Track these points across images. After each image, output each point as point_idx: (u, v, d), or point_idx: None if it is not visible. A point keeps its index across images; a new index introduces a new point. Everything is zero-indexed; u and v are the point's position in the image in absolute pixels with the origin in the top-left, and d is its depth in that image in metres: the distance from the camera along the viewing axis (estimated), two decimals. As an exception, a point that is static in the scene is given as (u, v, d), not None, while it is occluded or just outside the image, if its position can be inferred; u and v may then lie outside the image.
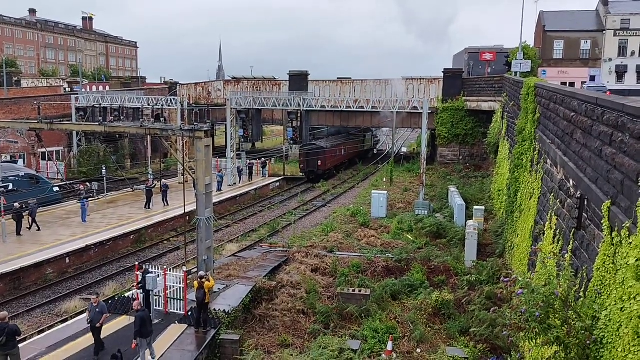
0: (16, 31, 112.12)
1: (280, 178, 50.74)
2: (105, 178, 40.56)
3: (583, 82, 59.16)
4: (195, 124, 37.48)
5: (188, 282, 18.90)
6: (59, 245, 27.11)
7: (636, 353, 7.47)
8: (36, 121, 31.97)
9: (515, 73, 41.88)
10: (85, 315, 16.61)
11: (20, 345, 14.65)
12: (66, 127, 36.53)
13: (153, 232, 32.16)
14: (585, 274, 10.79)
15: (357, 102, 54.45)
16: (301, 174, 53.43)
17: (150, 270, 18.30)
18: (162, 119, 60.21)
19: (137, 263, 20.53)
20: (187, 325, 17.54)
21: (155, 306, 18.51)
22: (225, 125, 51.93)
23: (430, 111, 43.89)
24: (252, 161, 51.51)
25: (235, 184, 46.47)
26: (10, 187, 33.63)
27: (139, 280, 18.20)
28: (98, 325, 15.35)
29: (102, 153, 52.30)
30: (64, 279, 25.21)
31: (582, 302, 9.78)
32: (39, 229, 29.51)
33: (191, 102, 63.61)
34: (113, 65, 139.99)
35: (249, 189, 45.26)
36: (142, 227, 31.48)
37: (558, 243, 13.77)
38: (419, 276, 21.49)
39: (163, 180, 38.61)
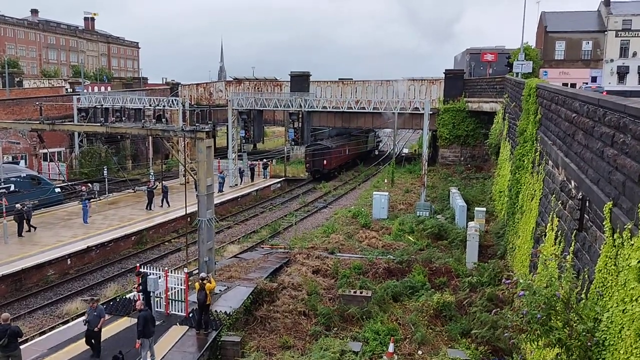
0: (18, 31, 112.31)
1: (281, 179, 50.72)
2: (106, 179, 40.57)
3: (585, 83, 59.09)
4: (196, 124, 37.46)
5: (189, 283, 18.90)
6: (60, 247, 27.12)
7: (638, 355, 7.46)
8: (38, 122, 32.05)
9: (517, 74, 41.88)
10: (83, 317, 16.52)
11: (21, 347, 14.64)
12: (68, 127, 36.57)
13: (154, 233, 32.16)
14: (586, 276, 10.77)
15: (358, 103, 54.46)
16: (306, 173, 53.93)
17: (148, 273, 18.29)
18: (163, 120, 60.38)
19: (138, 264, 20.49)
20: (188, 327, 17.52)
21: (157, 308, 18.51)
22: (227, 126, 51.91)
23: (431, 112, 43.88)
24: (254, 162, 51.53)
25: (236, 185, 46.45)
26: (12, 188, 33.70)
27: (139, 282, 18.20)
28: (96, 329, 15.22)
29: (103, 154, 52.37)
30: (65, 281, 25.20)
31: (584, 303, 9.76)
32: (29, 230, 29.30)
33: (193, 103, 63.67)
34: (115, 66, 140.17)
35: (250, 190, 45.24)
36: (143, 228, 31.47)
37: (559, 244, 13.75)
38: (420, 278, 21.47)
39: (158, 182, 38.62)
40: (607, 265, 9.49)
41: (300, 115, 57.70)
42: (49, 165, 47.62)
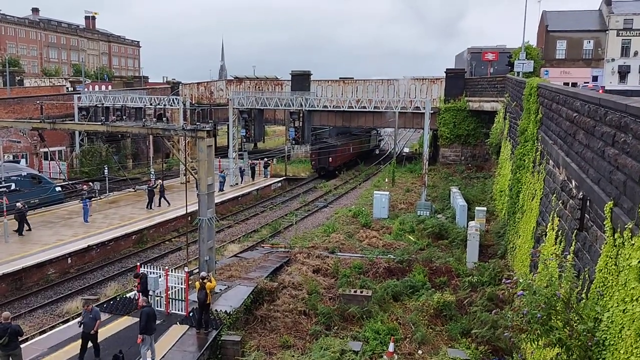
0: (19, 30, 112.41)
1: (282, 178, 50.73)
2: (107, 178, 40.58)
3: (586, 82, 59.06)
4: (197, 123, 37.46)
5: (189, 282, 18.90)
6: (61, 246, 27.13)
7: (638, 355, 7.44)
8: (39, 120, 31.97)
9: (518, 73, 41.86)
10: (78, 319, 16.37)
11: (21, 346, 14.66)
12: (69, 126, 36.53)
13: (155, 232, 32.17)
14: (587, 276, 10.75)
15: (359, 102, 54.45)
16: (312, 170, 55.15)
17: (147, 274, 18.27)
18: (164, 119, 60.36)
19: (138, 264, 20.49)
20: (188, 326, 17.52)
21: (157, 307, 18.50)
22: (228, 125, 51.95)
23: (432, 111, 43.87)
24: (254, 161, 51.53)
25: (237, 184, 46.46)
26: (13, 186, 33.72)
27: (139, 282, 18.19)
28: (92, 332, 15.05)
29: (104, 153, 52.40)
30: (66, 280, 25.21)
31: (584, 303, 9.74)
32: (19, 231, 28.91)
33: (193, 102, 63.66)
34: (115, 65, 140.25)
35: (251, 189, 45.25)
36: (143, 227, 31.48)
37: (560, 244, 13.73)
38: (420, 277, 21.46)
39: (158, 181, 38.60)
40: (608, 265, 9.48)
41: (300, 115, 57.67)
42: (49, 164, 47.62)
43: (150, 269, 18.94)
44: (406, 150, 71.01)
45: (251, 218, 38.41)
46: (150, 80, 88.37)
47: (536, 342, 9.27)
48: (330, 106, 56.38)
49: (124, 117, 54.58)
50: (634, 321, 7.77)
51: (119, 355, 14.69)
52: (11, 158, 46.56)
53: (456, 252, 25.03)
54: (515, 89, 31.47)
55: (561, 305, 9.08)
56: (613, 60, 66.73)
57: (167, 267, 19.65)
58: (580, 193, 12.45)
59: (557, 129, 17.08)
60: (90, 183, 38.87)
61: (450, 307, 18.77)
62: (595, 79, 65.10)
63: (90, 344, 15.26)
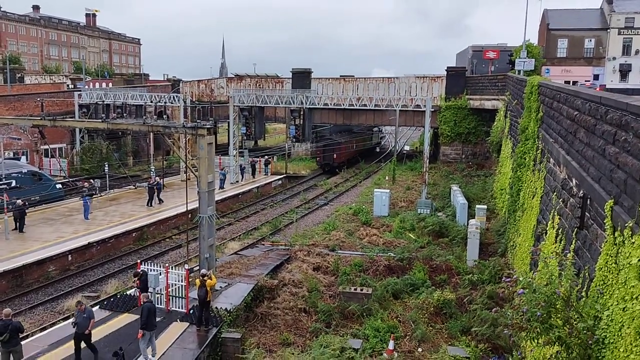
0: (20, 27, 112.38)
1: (282, 176, 50.72)
2: (107, 175, 40.59)
3: (586, 81, 59.03)
4: (198, 121, 37.42)
5: (190, 280, 18.92)
6: (61, 243, 27.15)
7: (638, 353, 7.44)
8: (39, 118, 31.96)
9: (519, 71, 41.84)
10: (71, 319, 16.19)
11: (22, 343, 14.69)
12: (69, 124, 36.48)
13: (155, 229, 32.18)
14: (587, 274, 10.76)
15: (359, 100, 54.40)
16: (313, 168, 55.91)
17: (146, 272, 18.27)
18: (165, 116, 60.25)
19: (139, 262, 20.50)
20: (188, 324, 17.54)
21: (157, 304, 18.51)
22: (228, 122, 51.91)
23: (433, 109, 43.81)
24: (255, 159, 51.52)
25: (237, 181, 46.46)
26: (13, 183, 33.75)
27: (139, 282, 18.19)
28: (86, 332, 14.81)
29: (104, 150, 52.37)
30: (66, 277, 25.25)
31: (584, 302, 9.75)
32: (19, 228, 28.83)
33: (194, 100, 63.63)
34: (116, 62, 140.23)
35: (251, 187, 45.25)
36: (144, 224, 31.49)
37: (560, 242, 13.73)
38: (420, 275, 21.47)
39: (156, 178, 38.57)
40: (608, 263, 9.48)
41: (301, 112, 57.65)
42: (50, 161, 47.65)
43: (151, 266, 18.95)
44: (407, 148, 70.93)
45: (251, 215, 38.42)
46: (150, 78, 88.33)
47: (536, 340, 9.26)
48: (330, 104, 56.33)
49: (124, 114, 54.53)
50: (633, 319, 7.77)
51: (119, 352, 14.71)
52: (12, 155, 46.55)
53: (456, 250, 25.02)
54: (516, 87, 31.44)
55: (561, 303, 9.07)
56: (614, 58, 66.67)
57: (167, 265, 19.67)
58: (581, 191, 12.45)
59: (557, 127, 17.06)
60: (91, 180, 38.84)
61: (450, 305, 18.79)
62: (596, 77, 65.07)
63: (84, 345, 14.89)
